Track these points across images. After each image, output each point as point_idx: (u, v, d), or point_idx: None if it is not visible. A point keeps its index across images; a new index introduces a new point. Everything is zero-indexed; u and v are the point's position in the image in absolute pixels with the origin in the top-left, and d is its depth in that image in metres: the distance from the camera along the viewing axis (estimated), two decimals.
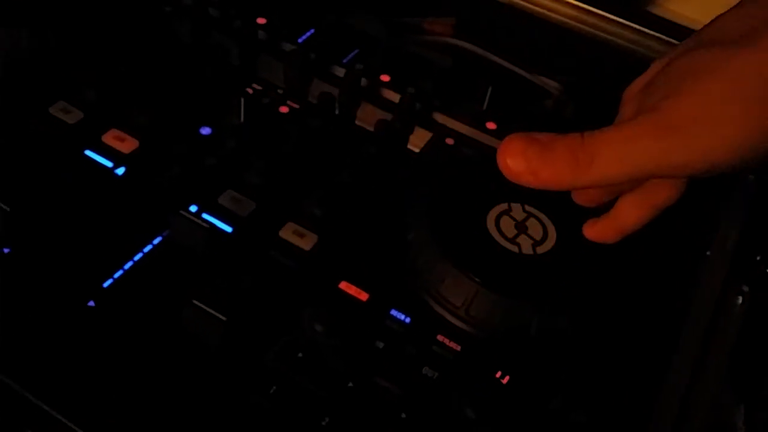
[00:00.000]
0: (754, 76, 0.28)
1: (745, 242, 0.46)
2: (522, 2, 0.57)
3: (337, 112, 0.49)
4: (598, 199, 0.39)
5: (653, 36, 0.54)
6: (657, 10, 0.56)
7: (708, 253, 0.45)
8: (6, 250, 0.37)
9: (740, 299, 0.43)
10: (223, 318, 0.35)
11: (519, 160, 0.30)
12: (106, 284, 0.37)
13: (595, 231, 0.39)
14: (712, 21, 0.31)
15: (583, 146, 0.30)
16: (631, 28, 0.54)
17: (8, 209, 0.37)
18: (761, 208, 0.47)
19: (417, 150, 0.48)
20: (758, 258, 0.45)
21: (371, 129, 0.49)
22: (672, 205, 0.47)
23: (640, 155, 0.29)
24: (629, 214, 0.37)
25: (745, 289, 0.44)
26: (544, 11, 0.57)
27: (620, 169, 0.30)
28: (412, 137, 0.49)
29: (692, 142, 0.29)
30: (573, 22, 0.56)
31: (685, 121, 0.28)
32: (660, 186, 0.35)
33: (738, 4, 0.31)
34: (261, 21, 0.52)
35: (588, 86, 0.54)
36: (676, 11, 0.56)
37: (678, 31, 0.54)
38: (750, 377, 0.45)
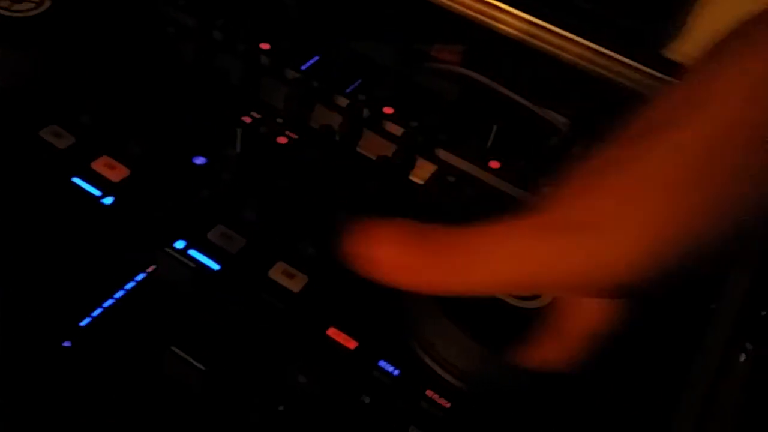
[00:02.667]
0: (668, 167, 0.23)
1: (752, 297, 0.44)
2: (533, 40, 0.56)
3: (337, 138, 0.47)
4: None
5: (664, 79, 0.52)
6: (673, 55, 0.55)
7: (713, 306, 0.44)
8: None
9: (743, 357, 0.42)
10: (202, 367, 0.33)
11: (394, 250, 0.25)
12: (83, 323, 0.36)
13: (536, 356, 0.34)
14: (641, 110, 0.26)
15: (471, 242, 0.25)
16: (643, 71, 0.53)
17: None
18: None
19: (421, 182, 0.47)
20: (763, 313, 0.44)
21: (372, 158, 0.47)
22: None
23: (534, 256, 0.24)
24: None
25: (749, 346, 0.42)
26: (557, 50, 0.56)
27: (510, 271, 0.25)
28: (415, 169, 0.47)
29: (582, 244, 0.24)
30: (584, 62, 0.55)
31: (578, 221, 0.24)
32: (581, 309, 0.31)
33: (657, 96, 0.26)
34: (264, 46, 0.51)
35: (596, 124, 0.52)
36: (693, 55, 0.54)
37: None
38: None
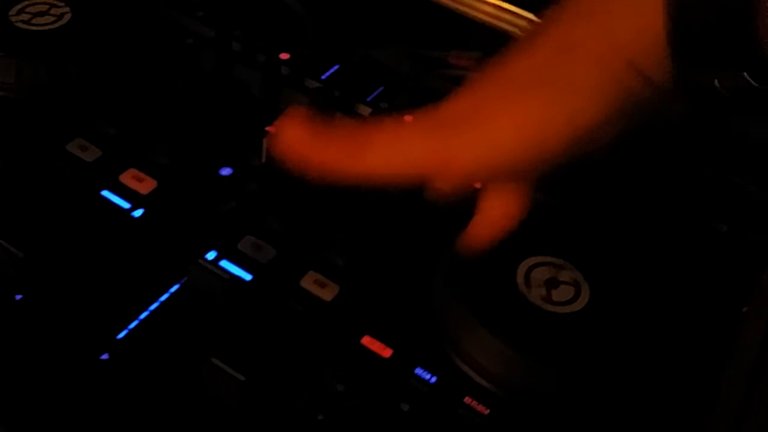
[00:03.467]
0: (517, 75, 0.29)
1: None
2: None
3: None
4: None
5: None
6: None
7: (744, 309, 0.44)
8: (18, 297, 0.36)
9: None
10: (242, 378, 0.33)
11: (299, 130, 0.30)
12: (120, 336, 0.36)
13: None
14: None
15: (361, 132, 0.31)
16: None
17: (22, 255, 0.36)
18: None
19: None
20: None
21: None
22: (711, 261, 0.46)
23: (414, 148, 0.30)
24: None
25: None
26: None
27: (389, 160, 0.30)
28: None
29: (454, 138, 0.30)
30: None
31: (452, 119, 0.30)
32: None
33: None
34: (284, 56, 0.51)
35: None
36: None
37: None
38: None
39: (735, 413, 0.39)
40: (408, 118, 0.31)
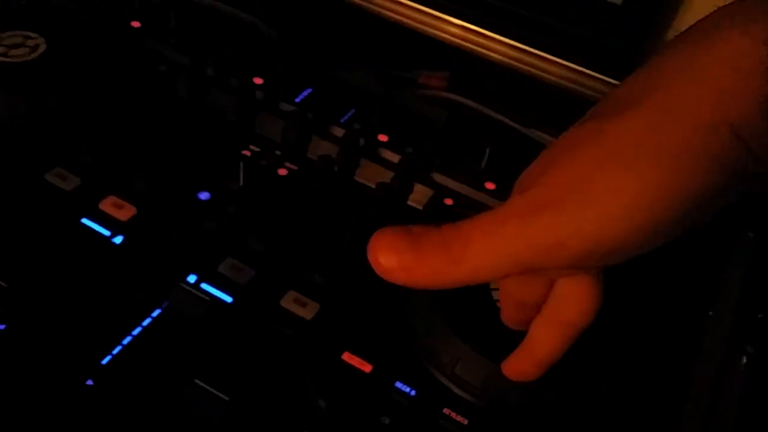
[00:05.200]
0: (628, 144, 0.25)
1: (747, 301, 0.45)
2: (519, 64, 0.58)
3: (336, 168, 0.49)
4: (520, 316, 0.35)
5: None
6: None
7: (711, 313, 0.45)
8: (1, 327, 0.36)
9: (744, 359, 0.43)
10: (226, 398, 0.34)
11: (390, 256, 0.27)
12: (104, 361, 0.36)
13: (512, 367, 0.35)
14: (603, 97, 0.30)
15: (456, 236, 0.27)
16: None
17: (5, 285, 0.36)
18: (762, 266, 0.47)
19: (419, 207, 0.48)
20: (760, 316, 0.45)
21: (371, 186, 0.48)
22: (673, 266, 0.47)
23: (511, 241, 0.27)
24: (540, 338, 0.33)
25: (749, 349, 0.44)
26: (541, 73, 0.58)
27: (494, 258, 0.27)
28: (412, 195, 0.49)
29: (562, 218, 0.26)
30: (567, 83, 0.57)
31: (553, 196, 0.26)
32: (565, 296, 0.32)
33: (625, 80, 0.29)
34: (258, 81, 0.52)
35: None
36: None
37: None
38: None
39: (704, 410, 0.40)
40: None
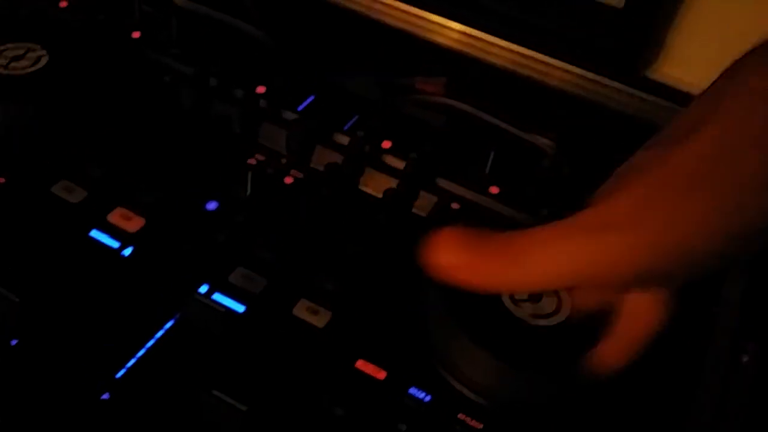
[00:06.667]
0: (678, 175, 0.27)
1: (751, 297, 0.46)
2: (515, 67, 0.58)
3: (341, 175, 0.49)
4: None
5: (649, 100, 0.55)
6: (654, 75, 0.58)
7: (714, 309, 0.46)
8: (13, 342, 0.36)
9: (746, 357, 0.44)
10: (244, 408, 0.34)
11: (452, 254, 0.29)
12: (119, 375, 0.36)
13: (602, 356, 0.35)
14: (673, 118, 0.31)
15: (519, 241, 0.29)
16: (628, 93, 0.55)
17: (17, 300, 0.36)
18: (765, 263, 0.48)
19: (423, 214, 0.48)
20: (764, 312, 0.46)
21: (376, 194, 0.49)
22: None
23: (572, 252, 0.28)
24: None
25: (752, 347, 0.44)
26: (540, 76, 0.58)
27: (554, 266, 0.28)
28: (417, 202, 0.49)
29: (620, 239, 0.27)
30: (564, 85, 0.57)
31: (614, 219, 0.28)
32: (630, 310, 0.33)
33: (693, 101, 0.30)
34: (261, 90, 0.52)
35: (584, 146, 0.55)
36: (674, 76, 0.57)
37: (672, 94, 0.55)
38: None
39: (712, 409, 0.41)
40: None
